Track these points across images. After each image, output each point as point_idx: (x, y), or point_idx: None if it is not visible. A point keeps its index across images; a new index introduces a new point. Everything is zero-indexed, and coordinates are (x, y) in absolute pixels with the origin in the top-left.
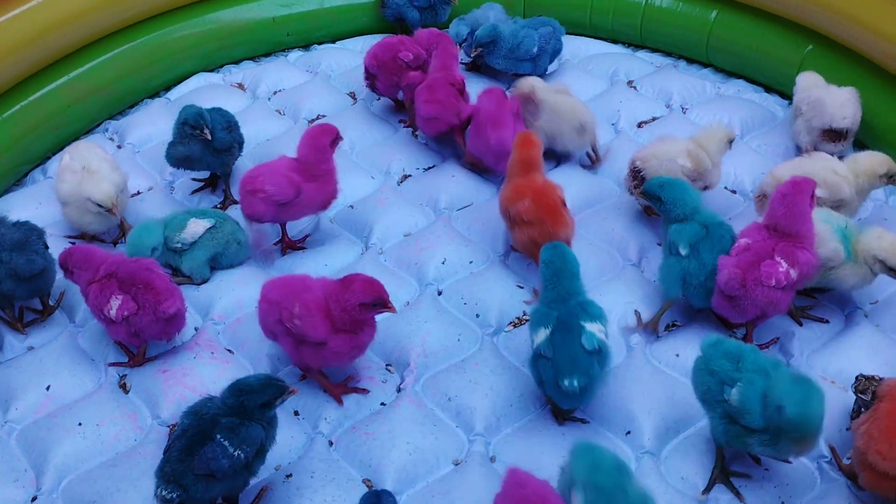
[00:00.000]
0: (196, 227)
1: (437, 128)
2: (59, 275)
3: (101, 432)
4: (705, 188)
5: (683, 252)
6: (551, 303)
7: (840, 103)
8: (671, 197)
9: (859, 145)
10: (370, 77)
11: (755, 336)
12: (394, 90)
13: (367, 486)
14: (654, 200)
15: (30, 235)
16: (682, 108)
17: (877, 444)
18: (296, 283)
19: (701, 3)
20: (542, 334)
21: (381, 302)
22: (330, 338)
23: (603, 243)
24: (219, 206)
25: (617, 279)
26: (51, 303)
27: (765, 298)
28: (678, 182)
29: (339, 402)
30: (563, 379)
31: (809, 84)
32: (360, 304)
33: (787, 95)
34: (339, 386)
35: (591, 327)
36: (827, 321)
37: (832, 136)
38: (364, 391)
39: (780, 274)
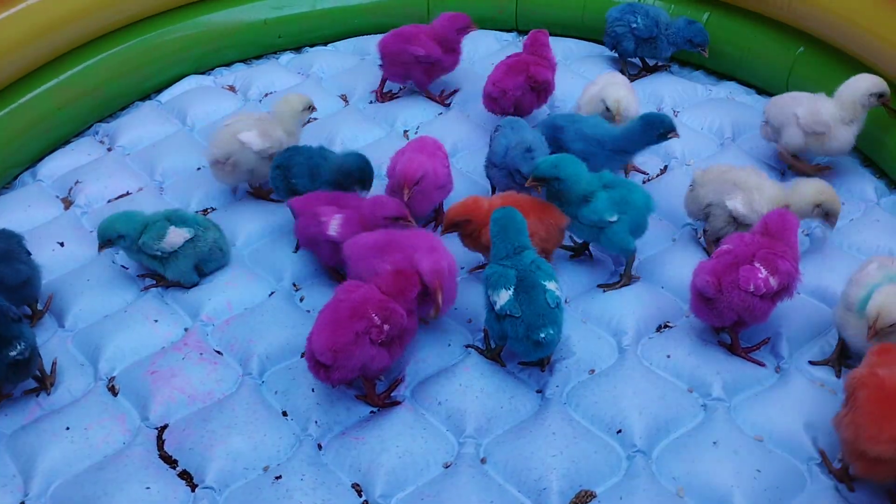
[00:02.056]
0: (175, 238)
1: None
2: (46, 279)
3: (88, 436)
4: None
5: (614, 218)
6: (503, 260)
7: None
8: (568, 174)
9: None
10: (382, 59)
11: (744, 338)
12: (399, 79)
13: (357, 490)
14: (552, 182)
15: (10, 243)
16: (674, 111)
17: (865, 431)
18: (350, 303)
19: (693, 4)
20: (505, 295)
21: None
22: (409, 321)
23: (594, 249)
24: None
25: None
26: (39, 307)
27: (741, 303)
28: (570, 158)
29: (391, 404)
30: (539, 332)
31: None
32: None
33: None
34: (382, 396)
35: (550, 286)
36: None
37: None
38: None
39: (759, 280)
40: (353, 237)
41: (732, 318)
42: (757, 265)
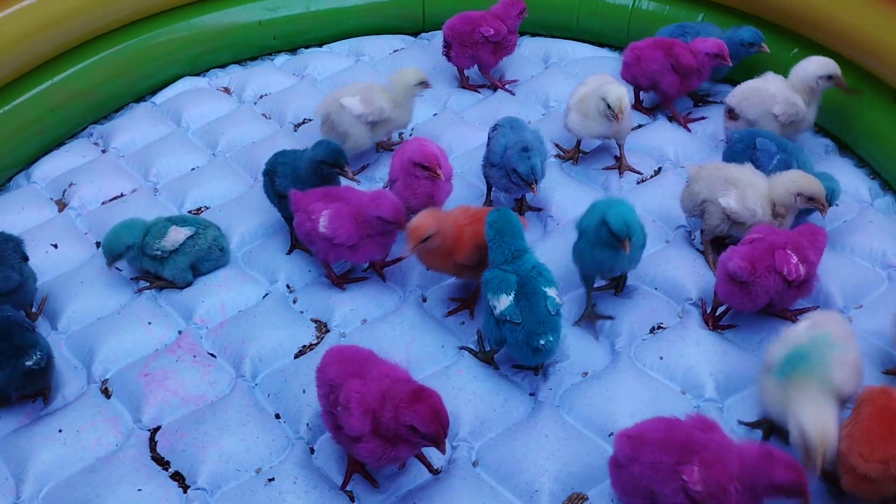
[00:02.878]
0: (177, 236)
1: None
2: (40, 281)
3: (81, 438)
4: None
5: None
6: (503, 265)
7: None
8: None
9: (843, 147)
10: (446, 45)
11: (742, 339)
12: (467, 62)
13: (349, 495)
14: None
15: (5, 249)
16: (667, 115)
17: (858, 447)
18: (356, 362)
19: (687, 6)
20: (506, 300)
21: (433, 438)
22: (366, 437)
23: None
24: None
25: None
26: (33, 309)
27: (775, 286)
28: (622, 202)
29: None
30: (539, 339)
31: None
32: (412, 427)
33: None
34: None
35: (551, 292)
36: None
37: (730, 114)
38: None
39: (792, 265)
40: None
41: (765, 302)
42: (789, 251)
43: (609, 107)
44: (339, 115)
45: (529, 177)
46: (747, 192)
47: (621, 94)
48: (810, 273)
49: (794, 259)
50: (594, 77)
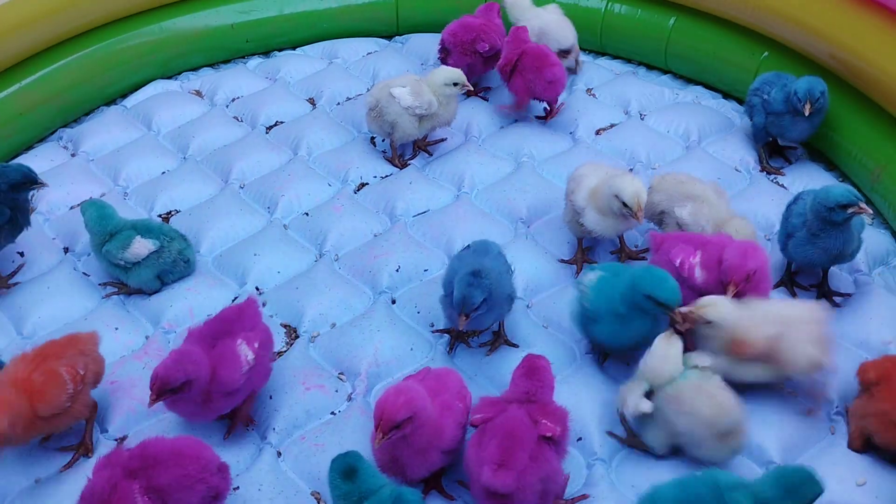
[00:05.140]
0: (140, 249)
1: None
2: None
3: (46, 446)
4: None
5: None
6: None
7: (559, 27)
8: None
9: (813, 151)
10: (443, 51)
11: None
12: (462, 68)
13: (316, 498)
14: None
15: None
16: (641, 115)
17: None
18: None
19: (659, 10)
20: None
21: None
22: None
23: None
24: None
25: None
26: None
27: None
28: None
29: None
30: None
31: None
32: None
33: (744, 101)
34: None
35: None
36: None
37: (563, 54)
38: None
39: (687, 263)
40: None
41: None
42: (696, 252)
43: (625, 205)
44: (389, 103)
45: None
46: (703, 207)
47: (637, 189)
48: (710, 287)
49: (694, 259)
50: (585, 167)
